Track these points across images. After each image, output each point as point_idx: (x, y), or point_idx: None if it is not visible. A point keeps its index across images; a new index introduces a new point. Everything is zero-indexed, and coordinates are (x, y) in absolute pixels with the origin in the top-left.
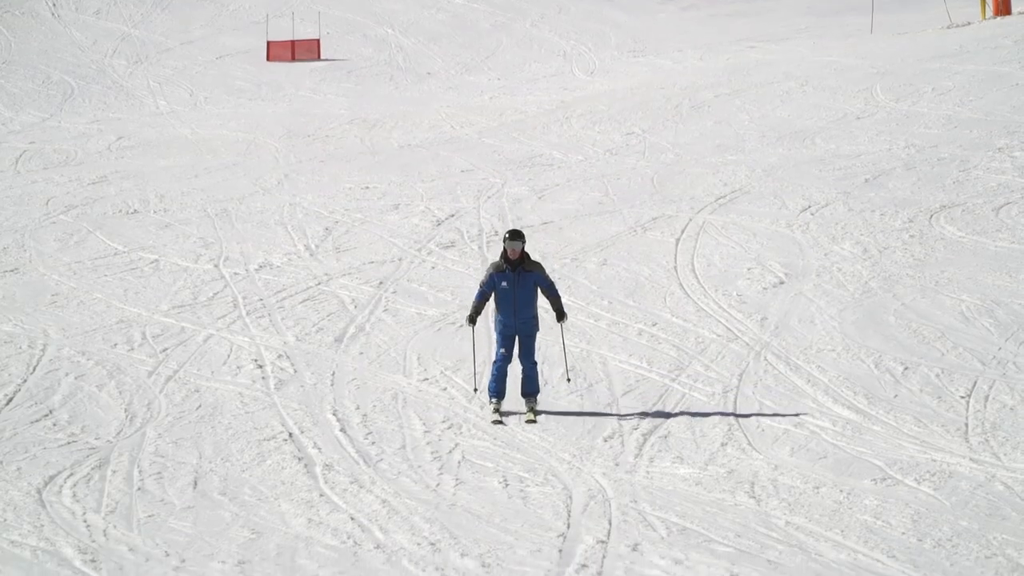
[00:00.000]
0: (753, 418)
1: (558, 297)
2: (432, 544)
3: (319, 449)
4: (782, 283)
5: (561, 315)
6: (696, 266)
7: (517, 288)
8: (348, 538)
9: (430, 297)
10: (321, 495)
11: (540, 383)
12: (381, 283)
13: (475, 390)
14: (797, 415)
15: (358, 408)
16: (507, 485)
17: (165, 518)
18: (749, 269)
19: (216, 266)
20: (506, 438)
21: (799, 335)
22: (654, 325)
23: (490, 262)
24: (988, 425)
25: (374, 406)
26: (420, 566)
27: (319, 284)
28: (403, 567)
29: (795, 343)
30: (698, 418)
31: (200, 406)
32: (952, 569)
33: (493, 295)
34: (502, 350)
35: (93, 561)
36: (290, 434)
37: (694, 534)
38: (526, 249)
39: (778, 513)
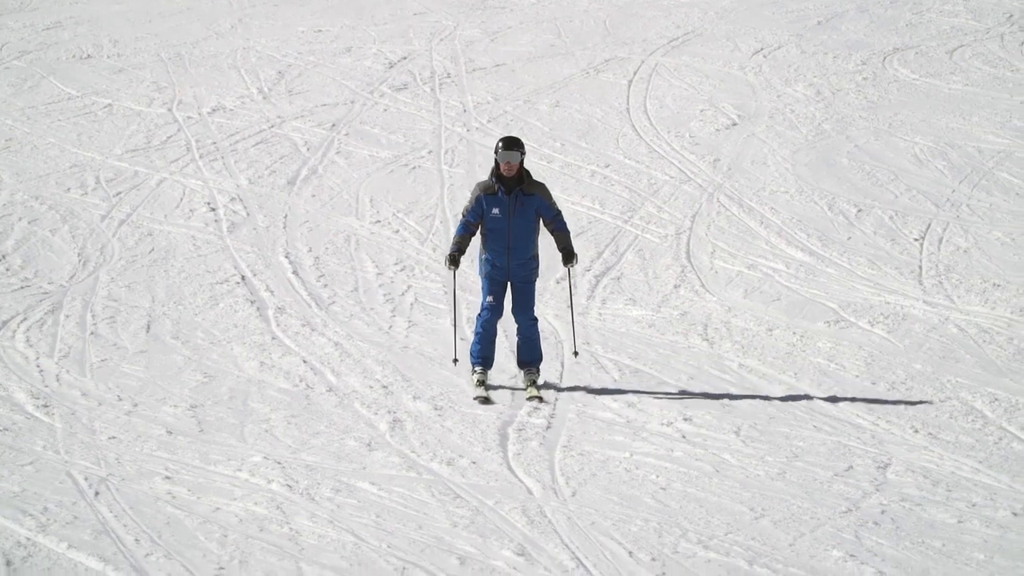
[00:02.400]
0: (706, 260)
1: (567, 231)
2: (384, 387)
3: (271, 292)
4: (735, 125)
5: (570, 256)
6: (648, 108)
7: (513, 217)
8: (300, 381)
9: (383, 139)
10: (273, 338)
11: (543, 348)
12: (333, 125)
13: (455, 360)
14: (750, 257)
15: (310, 251)
16: (457, 327)
17: (118, 363)
18: (702, 111)
19: (169, 110)
20: (459, 281)
21: (752, 177)
22: (607, 167)
23: (476, 182)
24: (942, 268)
25: (326, 248)
26: (372, 409)
27: (272, 127)
28: (355, 410)
29: (748, 185)
30: (651, 260)
31: (153, 250)
32: (906, 412)
33: (480, 226)
34: (490, 299)
35: (46, 406)
36: (242, 277)
37: (647, 376)
38: (526, 165)
39: (731, 355)
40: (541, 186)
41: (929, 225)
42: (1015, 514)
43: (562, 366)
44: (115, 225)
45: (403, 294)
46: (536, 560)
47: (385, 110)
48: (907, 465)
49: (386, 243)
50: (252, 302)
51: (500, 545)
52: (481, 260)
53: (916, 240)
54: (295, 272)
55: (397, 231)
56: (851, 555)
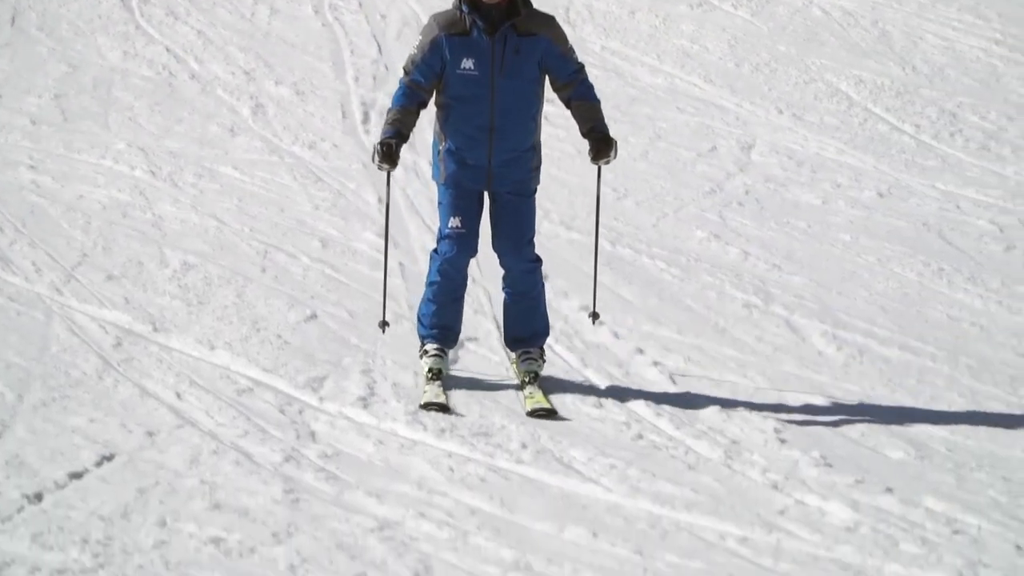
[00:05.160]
0: None
1: (595, 99)
2: (247, 73)
3: None
4: None
5: (602, 144)
6: None
7: (500, 76)
8: (163, 69)
9: None
10: (137, 27)
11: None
12: None
13: (384, 323)
14: None
15: None
16: (318, 12)
17: None
18: None
19: None
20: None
21: None
22: None
23: (430, 14)
24: None
25: None
26: (235, 95)
27: None
28: (217, 96)
29: None
30: None
31: None
32: (770, 93)
33: (437, 95)
34: (455, 224)
35: None
36: None
37: None
38: None
39: (593, 38)
40: (548, 20)
41: None
42: (880, 195)
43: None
44: None
45: None
46: (399, 243)
47: None
48: (771, 146)
49: None
50: None
51: (362, 227)
52: (440, 157)
53: None
54: None
55: None
56: (715, 235)
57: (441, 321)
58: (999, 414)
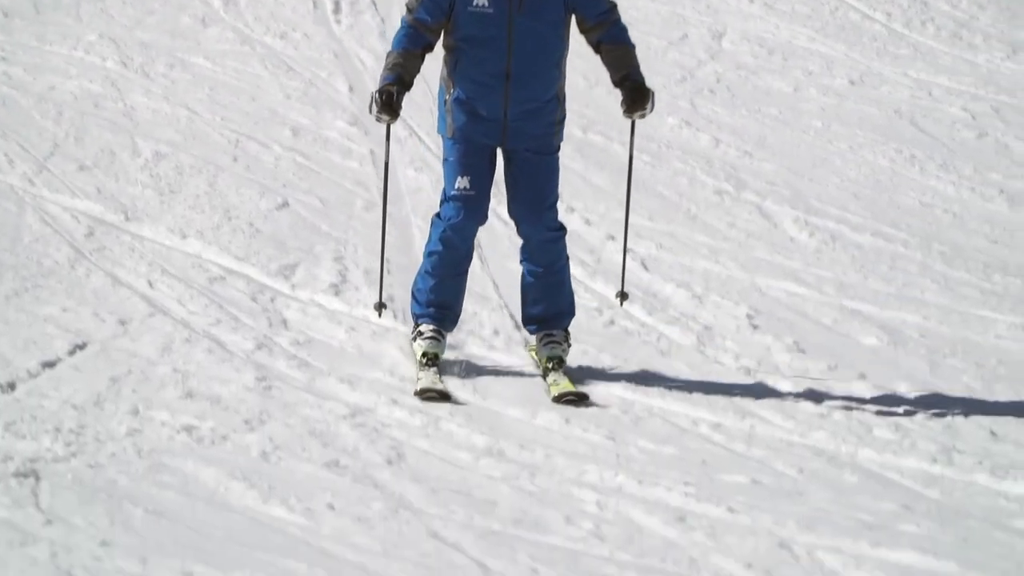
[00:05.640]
0: None
1: (629, 43)
2: None
3: None
4: None
5: (637, 95)
6: None
7: (517, 13)
8: None
9: None
10: None
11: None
12: None
13: (380, 306)
14: None
15: None
16: None
17: None
18: None
19: None
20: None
21: None
22: None
23: None
24: None
25: None
26: None
27: None
28: None
29: None
30: None
31: None
32: None
33: (445, 36)
34: (462, 185)
35: None
36: None
37: None
38: None
39: None
40: None
41: None
42: (852, 83)
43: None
44: None
45: None
46: (367, 132)
47: None
48: (742, 34)
49: None
50: None
51: (333, 116)
52: (447, 107)
53: None
54: None
55: None
56: (686, 122)
57: (440, 298)
58: (972, 300)
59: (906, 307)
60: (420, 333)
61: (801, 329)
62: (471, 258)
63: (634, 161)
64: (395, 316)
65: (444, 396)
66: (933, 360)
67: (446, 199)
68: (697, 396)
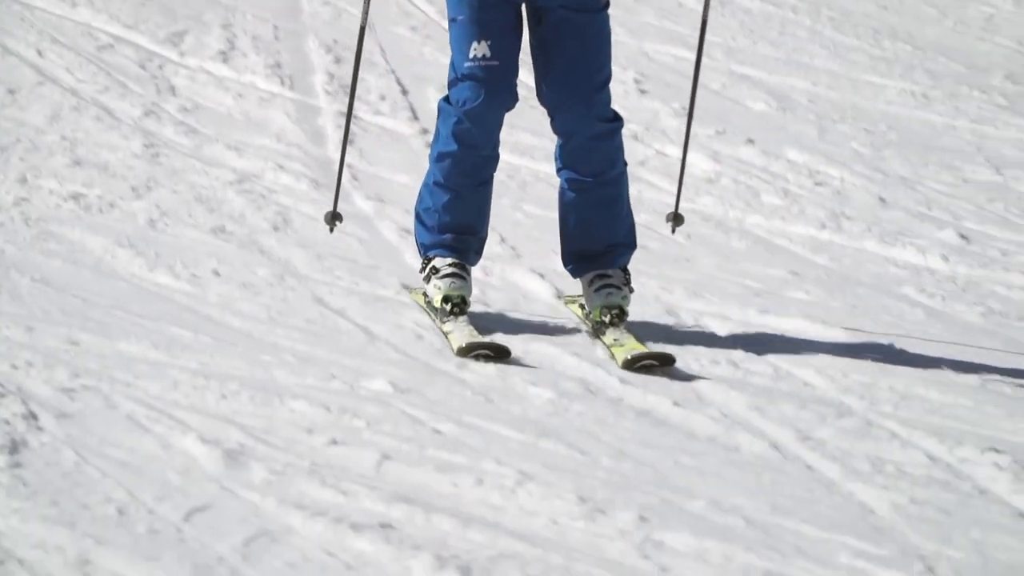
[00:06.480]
0: None
1: None
2: None
3: None
4: None
5: None
6: None
7: None
8: None
9: None
10: None
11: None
12: None
13: (333, 215)
14: None
15: None
16: None
17: None
18: None
19: None
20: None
21: None
22: None
23: None
24: None
25: None
26: None
27: None
28: None
29: None
30: None
31: None
32: None
33: None
34: (478, 50)
35: None
36: None
37: None
38: None
39: None
40: None
41: None
42: None
43: None
44: None
45: None
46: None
47: None
48: None
49: None
50: None
51: None
52: None
53: None
54: None
55: None
56: None
57: (458, 219)
58: (862, 65)
59: (795, 72)
60: (435, 270)
61: (688, 94)
62: (497, 158)
63: None
64: (282, 82)
65: (501, 352)
66: (822, 125)
67: (458, 77)
68: None
